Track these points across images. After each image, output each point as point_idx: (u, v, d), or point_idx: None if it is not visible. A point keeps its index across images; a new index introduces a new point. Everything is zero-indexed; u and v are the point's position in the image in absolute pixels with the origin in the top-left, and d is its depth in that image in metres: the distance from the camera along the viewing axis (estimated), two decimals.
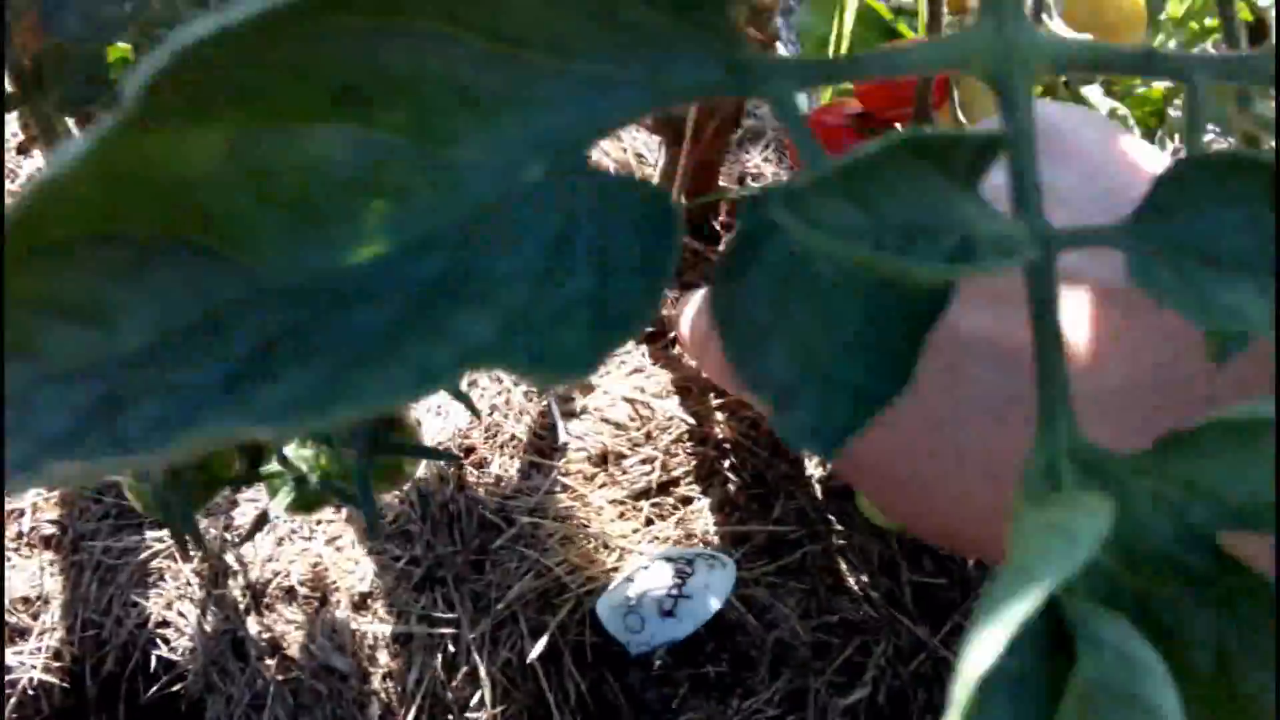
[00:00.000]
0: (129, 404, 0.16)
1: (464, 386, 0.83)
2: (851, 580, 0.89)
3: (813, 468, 0.94)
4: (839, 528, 0.90)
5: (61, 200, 0.16)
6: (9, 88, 0.43)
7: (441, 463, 0.89)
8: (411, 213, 0.18)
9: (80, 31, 0.39)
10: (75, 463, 0.15)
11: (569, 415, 0.95)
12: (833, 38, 0.83)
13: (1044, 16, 0.66)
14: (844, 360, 0.19)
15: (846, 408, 0.18)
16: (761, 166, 1.18)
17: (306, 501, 0.51)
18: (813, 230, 0.17)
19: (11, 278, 0.16)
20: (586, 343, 0.18)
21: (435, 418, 0.92)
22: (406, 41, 0.18)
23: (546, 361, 0.18)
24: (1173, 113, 0.89)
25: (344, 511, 0.86)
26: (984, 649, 0.14)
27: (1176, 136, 1.11)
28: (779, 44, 0.77)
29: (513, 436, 0.93)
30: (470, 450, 0.91)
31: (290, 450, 0.52)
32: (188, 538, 0.46)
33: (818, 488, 0.93)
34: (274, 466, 0.51)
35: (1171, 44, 0.83)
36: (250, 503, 0.85)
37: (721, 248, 1.05)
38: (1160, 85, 0.83)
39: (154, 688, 0.77)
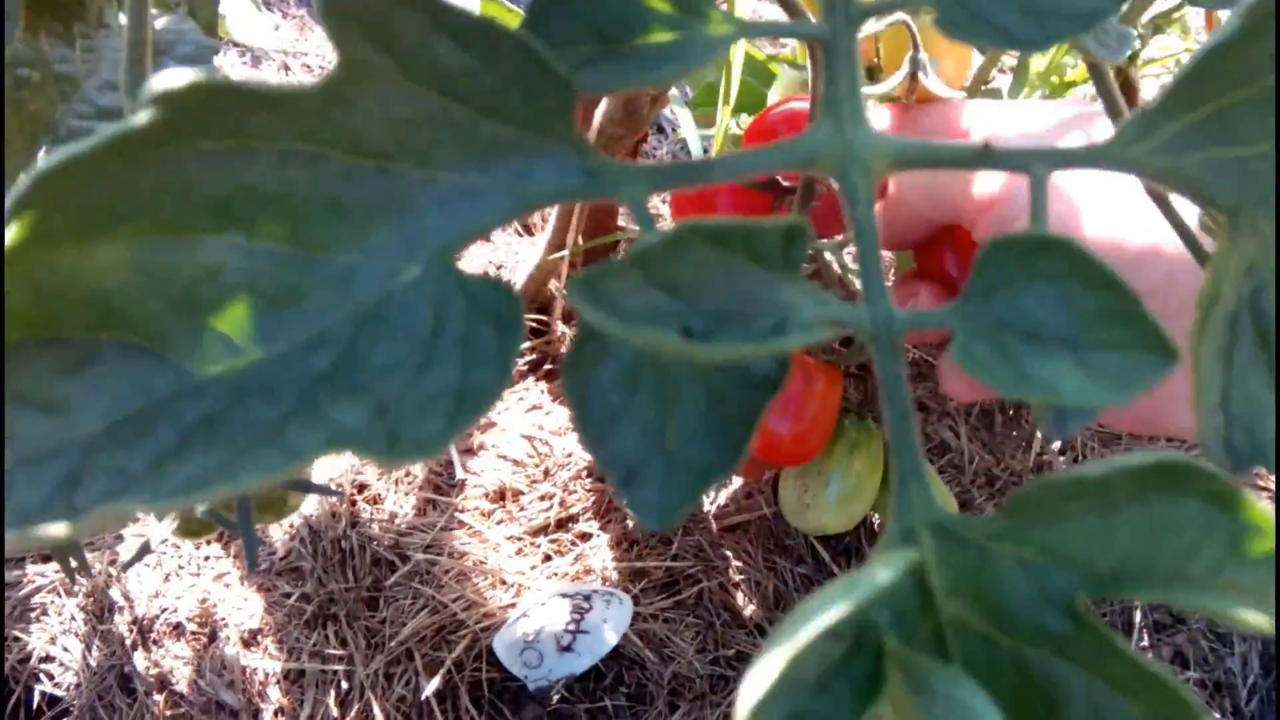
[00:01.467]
0: (83, 482, 0.18)
1: None
2: (747, 614, 0.90)
3: (709, 504, 0.95)
4: (735, 563, 0.92)
5: (3, 307, 0.18)
6: None
7: (333, 499, 0.89)
8: (304, 313, 0.20)
9: None
10: (17, 533, 0.17)
11: (466, 452, 0.95)
12: (721, 88, 0.85)
13: (920, 75, 0.69)
14: (688, 439, 0.20)
15: (686, 483, 0.20)
16: (660, 207, 1.21)
17: (190, 528, 0.51)
18: (607, 316, 0.18)
19: None
20: (443, 428, 0.19)
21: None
22: (268, 161, 0.20)
23: (404, 446, 0.19)
24: None
25: (231, 548, 0.85)
26: (759, 680, 0.16)
27: None
28: (672, 91, 0.79)
29: (408, 473, 0.93)
30: (364, 486, 0.91)
31: None
32: (74, 565, 0.46)
33: (714, 524, 0.94)
34: None
35: (1037, 95, 0.87)
36: (137, 537, 0.84)
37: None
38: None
39: None
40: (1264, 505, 0.18)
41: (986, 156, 0.21)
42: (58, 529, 0.18)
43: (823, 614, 0.17)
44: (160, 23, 0.51)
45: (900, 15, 0.49)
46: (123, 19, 0.48)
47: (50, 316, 0.19)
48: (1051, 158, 0.22)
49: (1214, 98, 0.22)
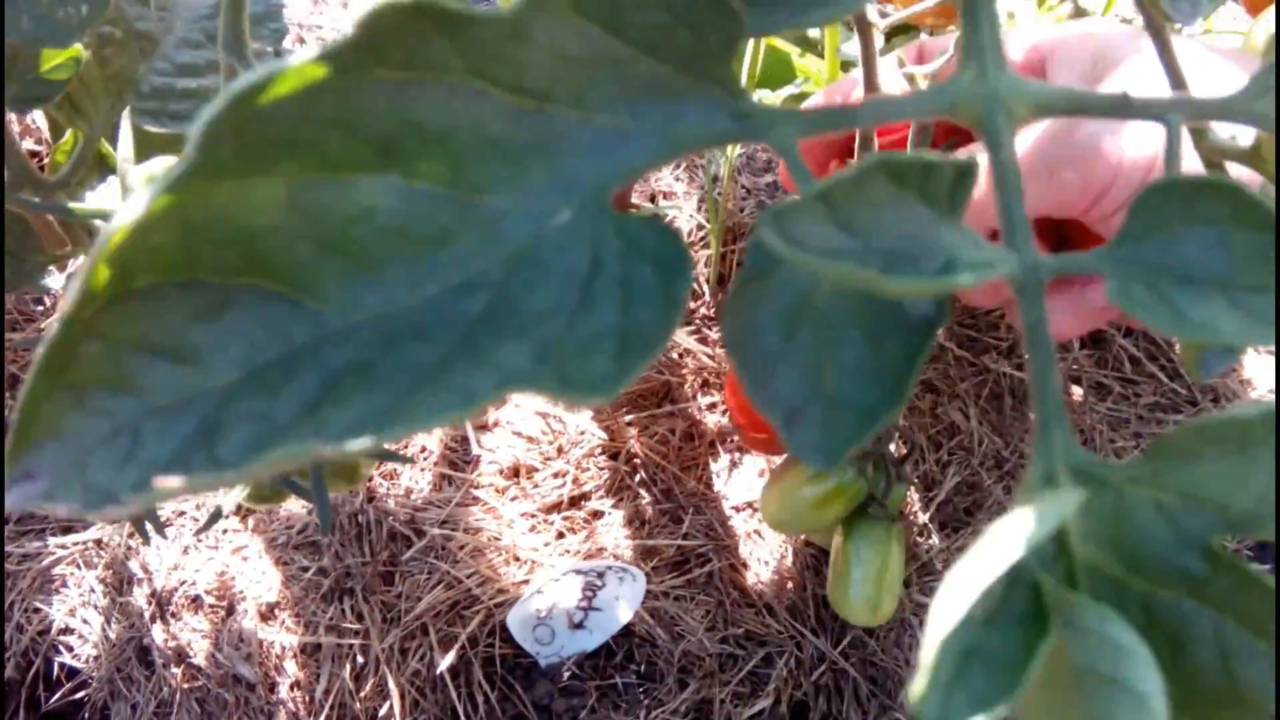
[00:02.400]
0: (223, 432, 0.18)
1: None
2: (756, 594, 0.91)
3: (721, 484, 0.96)
4: (746, 543, 0.93)
5: (142, 249, 0.18)
6: None
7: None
8: (455, 257, 0.20)
9: (33, 31, 0.39)
10: (179, 479, 0.17)
11: (481, 428, 0.95)
12: (746, 60, 0.85)
13: None
14: (847, 382, 0.21)
15: (848, 425, 0.20)
16: (673, 185, 1.21)
17: (262, 495, 0.51)
18: (796, 250, 0.18)
19: (106, 320, 0.17)
20: (611, 369, 0.19)
21: None
22: (437, 95, 0.20)
23: (575, 385, 0.19)
24: None
25: (250, 521, 0.85)
26: (945, 617, 0.16)
27: None
28: None
29: (424, 448, 0.93)
30: (379, 462, 0.91)
31: None
32: (147, 524, 0.46)
33: (725, 504, 0.95)
34: None
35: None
36: (159, 508, 0.83)
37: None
38: None
39: (57, 695, 0.75)
40: None
41: (1126, 105, 0.22)
42: (204, 480, 0.18)
43: (993, 561, 0.17)
44: None
45: None
46: None
47: (192, 257, 0.19)
48: (1186, 108, 0.22)
49: None
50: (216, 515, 0.49)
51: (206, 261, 0.19)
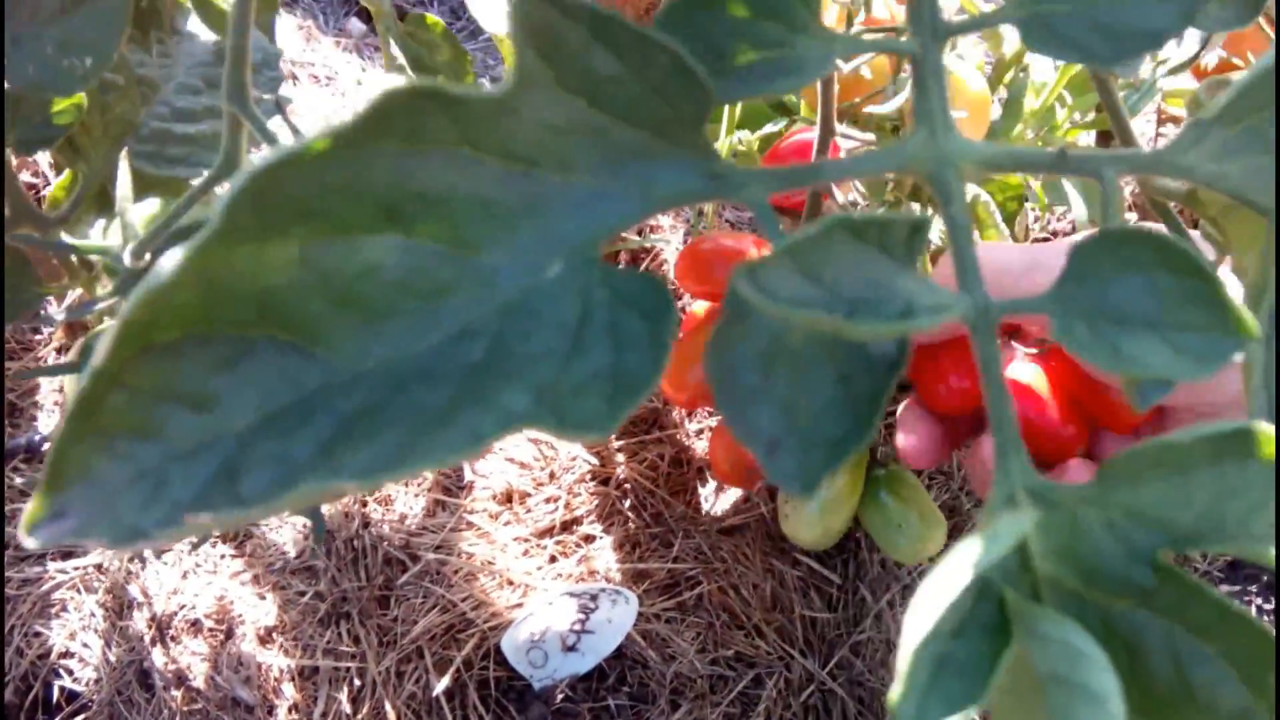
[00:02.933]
0: (244, 472, 0.20)
1: None
2: (745, 616, 0.93)
3: (709, 508, 0.98)
4: (735, 566, 0.94)
5: (167, 306, 0.20)
6: None
7: (345, 500, 0.90)
8: (454, 308, 0.22)
9: (37, 80, 0.41)
10: (208, 515, 0.19)
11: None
12: (725, 110, 0.88)
13: None
14: (819, 417, 0.23)
15: (821, 456, 0.22)
16: (660, 219, 1.23)
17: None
18: (767, 300, 0.20)
19: (131, 372, 0.19)
20: (605, 409, 0.21)
21: None
22: (436, 163, 0.22)
23: (572, 425, 0.21)
24: (1033, 180, 0.96)
25: (248, 546, 0.87)
26: (917, 629, 0.18)
27: (1032, 217, 1.19)
28: None
29: (418, 474, 0.94)
30: (375, 488, 0.93)
31: None
32: (145, 550, 0.47)
33: (714, 527, 0.97)
34: None
35: (1029, 134, 0.90)
36: None
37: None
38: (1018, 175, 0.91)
39: (56, 719, 0.76)
40: None
41: (1063, 162, 0.24)
42: (229, 517, 0.20)
43: (962, 573, 0.19)
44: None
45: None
46: (193, 28, 0.51)
47: (212, 314, 0.21)
48: (1119, 162, 0.24)
49: (1254, 114, 0.24)
50: (205, 537, 0.51)
51: (225, 316, 0.21)
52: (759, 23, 0.25)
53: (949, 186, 0.24)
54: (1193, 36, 0.75)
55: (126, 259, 0.41)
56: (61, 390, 0.91)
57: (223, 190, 0.20)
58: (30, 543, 0.21)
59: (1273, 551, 0.21)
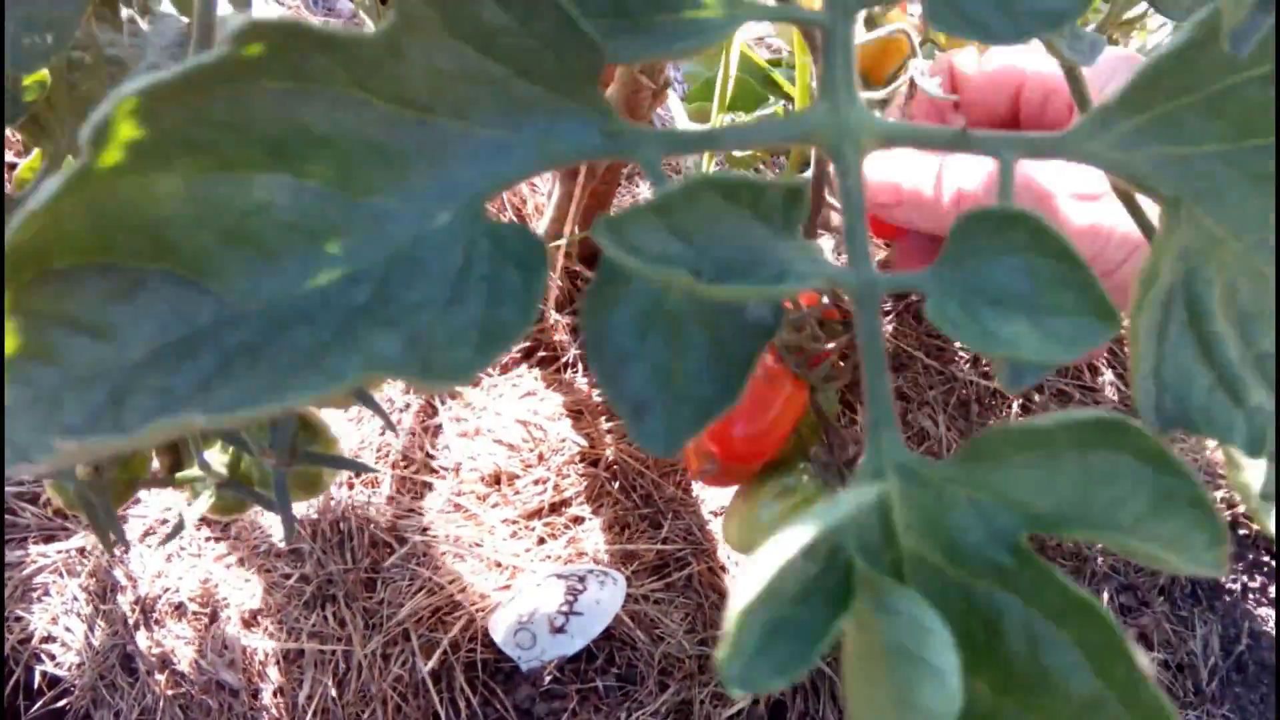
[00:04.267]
0: (129, 402, 0.20)
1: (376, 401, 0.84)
2: None
3: (698, 490, 0.97)
4: (723, 546, 0.94)
5: (58, 233, 0.20)
6: None
7: (331, 483, 0.90)
8: (343, 251, 0.21)
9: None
10: (77, 443, 0.18)
11: (463, 436, 0.97)
12: (718, 84, 0.87)
13: (917, 79, 0.71)
14: (692, 380, 0.22)
15: (689, 417, 0.22)
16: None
17: (226, 505, 0.52)
18: (629, 254, 0.20)
19: (28, 297, 0.19)
20: (473, 358, 0.21)
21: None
22: (323, 103, 0.21)
23: (436, 373, 0.21)
24: None
25: (232, 529, 0.87)
26: (744, 592, 0.18)
27: None
28: (670, 88, 0.81)
29: (405, 456, 0.94)
30: (362, 469, 0.93)
31: (211, 456, 0.54)
32: (110, 534, 0.47)
33: (703, 509, 0.96)
34: (194, 471, 0.52)
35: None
36: (138, 519, 0.85)
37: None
38: None
39: (38, 703, 0.77)
40: (1184, 466, 0.20)
41: (964, 140, 0.23)
42: (111, 441, 0.20)
43: (799, 535, 0.19)
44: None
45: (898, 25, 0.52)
46: (167, 6, 0.50)
47: (105, 244, 0.21)
48: (1018, 144, 0.24)
49: (1163, 101, 0.24)
50: (180, 527, 0.51)
51: (120, 247, 0.21)
52: None
53: (847, 159, 0.23)
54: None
55: None
56: None
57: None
58: None
59: (1136, 543, 0.20)
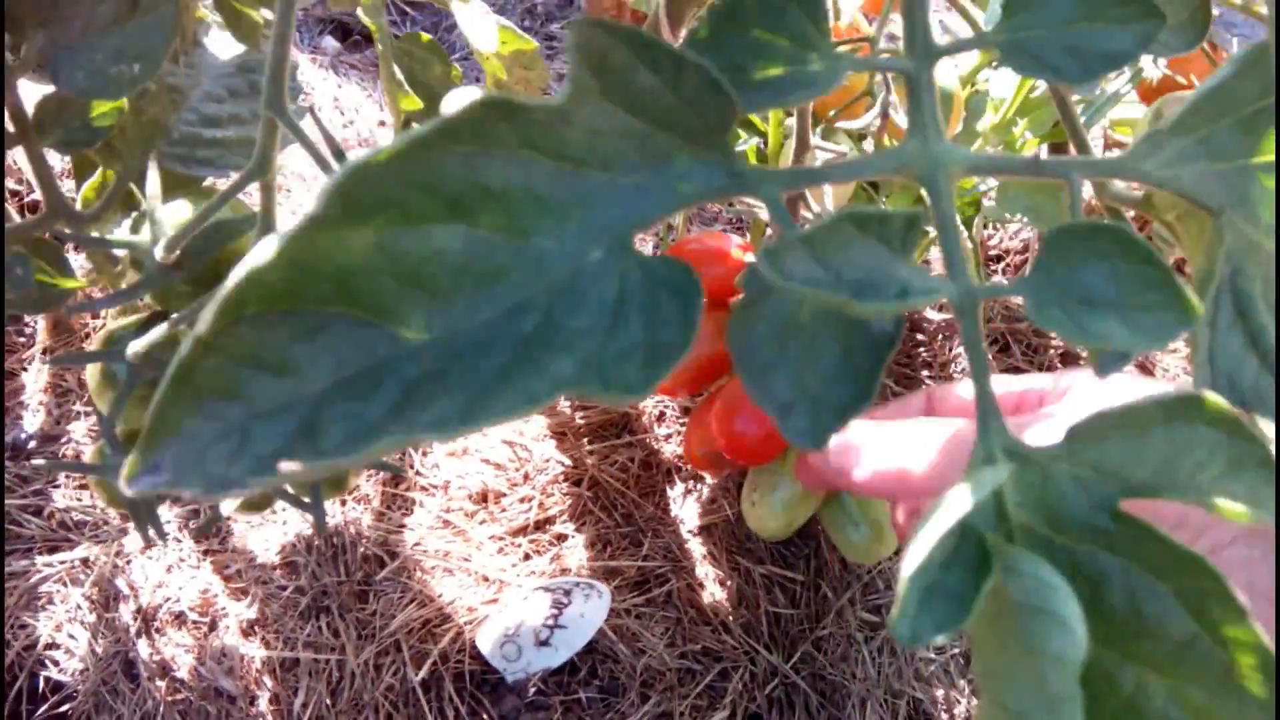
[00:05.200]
0: (322, 429, 0.23)
1: None
2: (712, 612, 0.96)
3: (677, 510, 1.01)
4: (702, 564, 0.98)
5: (258, 283, 0.23)
6: (9, 128, 0.47)
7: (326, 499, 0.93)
8: (509, 287, 0.25)
9: (87, 86, 0.44)
10: (297, 464, 0.22)
11: (451, 455, 1.00)
12: None
13: (890, 114, 0.77)
14: (827, 385, 0.26)
15: (828, 418, 0.26)
16: (640, 248, 1.28)
17: (254, 502, 0.55)
18: (785, 279, 0.24)
19: (221, 341, 0.23)
20: (641, 375, 0.25)
21: None
22: (499, 163, 0.25)
23: (614, 388, 0.24)
24: (986, 202, 1.01)
25: (230, 541, 0.89)
26: (911, 562, 0.22)
27: (990, 226, 1.25)
28: None
29: (394, 477, 0.97)
30: (355, 487, 0.95)
31: None
32: (149, 528, 0.50)
33: (682, 528, 1.00)
34: None
35: (989, 149, 0.96)
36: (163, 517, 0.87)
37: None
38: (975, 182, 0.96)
39: (42, 708, 0.78)
40: (1254, 432, 0.25)
41: (1037, 166, 0.28)
42: (315, 466, 0.23)
43: (944, 518, 0.23)
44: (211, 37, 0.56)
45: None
46: (210, 43, 0.53)
47: (295, 290, 0.23)
48: (1085, 167, 0.28)
49: (1205, 124, 0.28)
50: (211, 522, 0.53)
51: (306, 293, 0.24)
52: (779, 42, 0.28)
53: (939, 186, 0.27)
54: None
55: (157, 254, 0.44)
56: (48, 391, 0.93)
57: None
58: (129, 492, 0.24)
59: (1216, 500, 0.24)
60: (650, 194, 0.27)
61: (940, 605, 0.22)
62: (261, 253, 0.23)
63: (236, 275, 0.23)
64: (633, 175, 0.27)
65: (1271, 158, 0.29)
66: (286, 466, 0.23)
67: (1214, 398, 0.24)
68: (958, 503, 0.23)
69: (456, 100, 0.24)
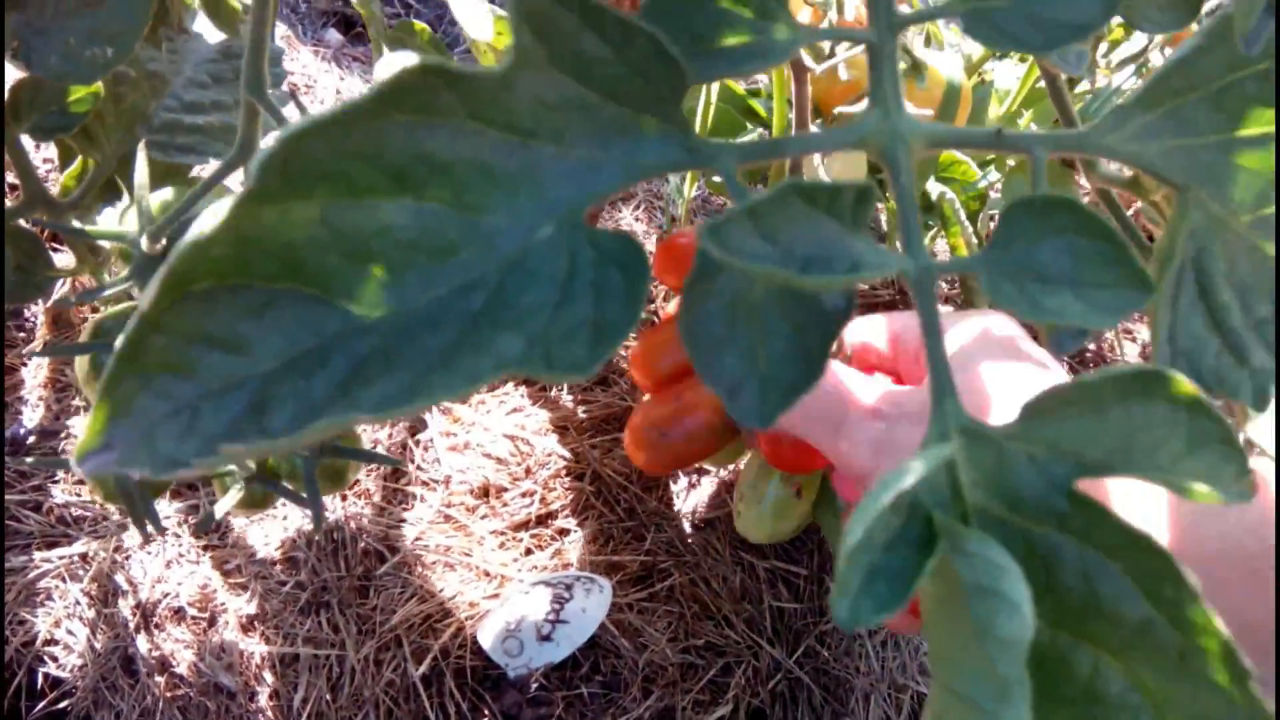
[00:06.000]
0: (269, 408, 0.22)
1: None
2: (715, 607, 0.95)
3: (680, 504, 1.01)
4: (705, 559, 0.97)
5: (204, 258, 0.22)
6: None
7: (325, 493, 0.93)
8: (458, 264, 0.24)
9: (60, 69, 0.43)
10: (240, 445, 0.21)
11: (453, 450, 1.00)
12: (699, 112, 0.91)
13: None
14: (776, 363, 0.26)
15: (777, 396, 0.25)
16: (633, 224, 1.27)
17: (254, 499, 0.55)
18: (728, 254, 0.23)
19: (169, 317, 0.22)
20: (587, 353, 0.24)
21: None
22: (443, 134, 0.24)
23: (558, 367, 0.24)
24: (993, 195, 1.00)
25: (230, 537, 0.89)
26: (850, 541, 0.21)
27: (995, 217, 1.24)
28: None
29: (395, 470, 0.97)
30: (355, 481, 0.95)
31: None
32: (146, 522, 0.50)
33: (685, 522, 0.99)
34: (224, 465, 0.55)
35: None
36: (119, 526, 0.87)
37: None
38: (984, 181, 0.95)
39: (41, 704, 0.78)
40: (1214, 409, 0.24)
41: (998, 139, 0.27)
42: (259, 447, 0.23)
43: (885, 494, 0.22)
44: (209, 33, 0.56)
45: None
46: (198, 28, 0.53)
47: (242, 266, 0.23)
48: (1048, 142, 0.27)
49: (1172, 98, 0.28)
50: (209, 519, 0.53)
51: (254, 269, 0.23)
52: (735, 10, 0.27)
53: (899, 160, 0.27)
54: (1140, 37, 0.79)
55: (144, 244, 0.43)
56: (47, 386, 0.93)
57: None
58: (80, 471, 0.23)
59: (1174, 479, 0.24)
60: (603, 168, 0.26)
61: (882, 586, 0.22)
62: (204, 225, 0.23)
63: (180, 250, 0.23)
64: (584, 148, 0.26)
65: (1251, 132, 0.28)
66: (229, 449, 0.23)
67: (1176, 375, 0.23)
68: (900, 477, 0.22)
69: (391, 65, 0.23)
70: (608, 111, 0.26)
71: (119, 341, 0.23)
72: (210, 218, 0.23)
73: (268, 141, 0.23)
